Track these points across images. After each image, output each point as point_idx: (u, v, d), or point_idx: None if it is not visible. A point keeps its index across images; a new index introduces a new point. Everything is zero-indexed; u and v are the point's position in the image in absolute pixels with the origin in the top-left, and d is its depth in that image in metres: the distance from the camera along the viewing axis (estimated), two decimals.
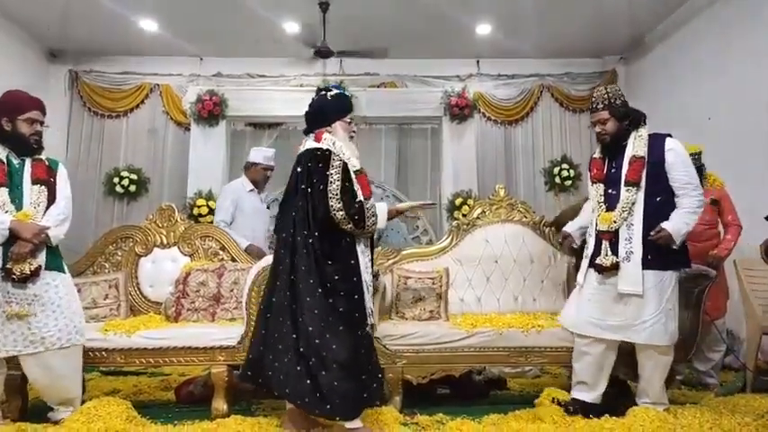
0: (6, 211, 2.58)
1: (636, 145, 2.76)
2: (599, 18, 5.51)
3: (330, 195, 2.48)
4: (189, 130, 6.10)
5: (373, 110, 5.95)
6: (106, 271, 3.55)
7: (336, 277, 2.48)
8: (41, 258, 2.63)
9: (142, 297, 3.56)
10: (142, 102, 6.33)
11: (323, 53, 5.69)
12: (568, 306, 3.00)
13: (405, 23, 5.61)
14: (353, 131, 2.80)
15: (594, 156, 2.94)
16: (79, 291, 3.32)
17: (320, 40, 5.57)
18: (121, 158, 6.21)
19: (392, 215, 2.78)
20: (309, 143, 2.65)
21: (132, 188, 6.07)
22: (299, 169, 2.62)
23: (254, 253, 3.72)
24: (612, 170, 2.83)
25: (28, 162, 2.73)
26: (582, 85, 6.44)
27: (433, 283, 3.35)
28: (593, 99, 2.85)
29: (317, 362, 2.39)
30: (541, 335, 3.01)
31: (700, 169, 3.60)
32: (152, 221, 3.69)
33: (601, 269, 2.74)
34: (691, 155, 3.51)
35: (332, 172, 2.51)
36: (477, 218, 3.65)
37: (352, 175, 2.59)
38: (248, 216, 4.08)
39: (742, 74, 4.55)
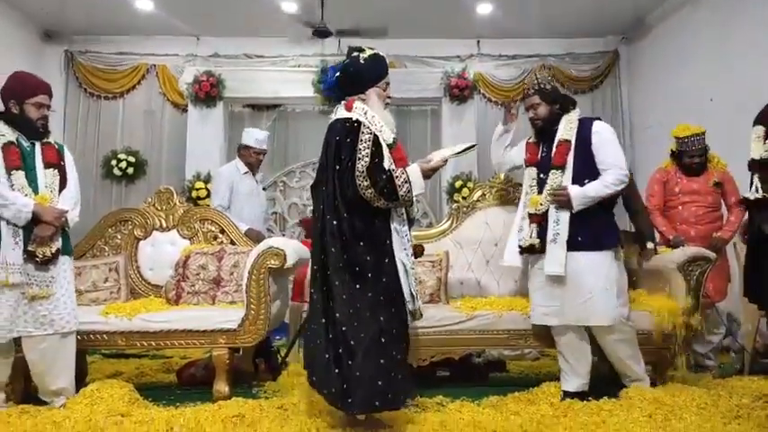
0: (25, 195, 2.61)
1: (564, 129, 2.81)
2: None
3: (357, 173, 2.29)
4: (186, 111, 6.06)
5: None
6: (106, 254, 3.55)
7: (368, 258, 2.30)
8: (59, 241, 2.68)
9: (142, 280, 3.57)
10: (138, 82, 6.25)
11: (321, 33, 5.62)
12: (510, 242, 3.00)
13: (404, 3, 5.52)
14: (389, 98, 2.55)
15: (529, 140, 2.98)
16: (79, 274, 3.34)
17: (318, 19, 5.50)
18: (118, 140, 6.16)
19: (428, 174, 2.45)
20: (340, 112, 2.47)
21: (130, 171, 6.03)
22: (328, 142, 2.43)
23: (253, 236, 3.70)
24: (543, 154, 2.87)
25: (38, 145, 2.74)
26: (584, 66, 6.38)
27: (433, 266, 3.35)
28: (525, 86, 2.91)
29: (344, 350, 2.26)
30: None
31: (704, 150, 3.58)
32: (151, 204, 3.67)
33: (522, 250, 2.80)
34: (694, 135, 3.51)
35: (360, 147, 2.31)
36: (477, 200, 3.64)
37: (384, 150, 2.39)
38: (244, 199, 4.01)
39: (743, 54, 4.50)
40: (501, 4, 5.61)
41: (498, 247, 3.52)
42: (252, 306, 3.00)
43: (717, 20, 4.85)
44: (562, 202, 2.71)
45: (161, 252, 3.57)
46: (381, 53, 2.57)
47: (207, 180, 5.79)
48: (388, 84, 2.55)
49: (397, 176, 2.33)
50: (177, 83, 6.10)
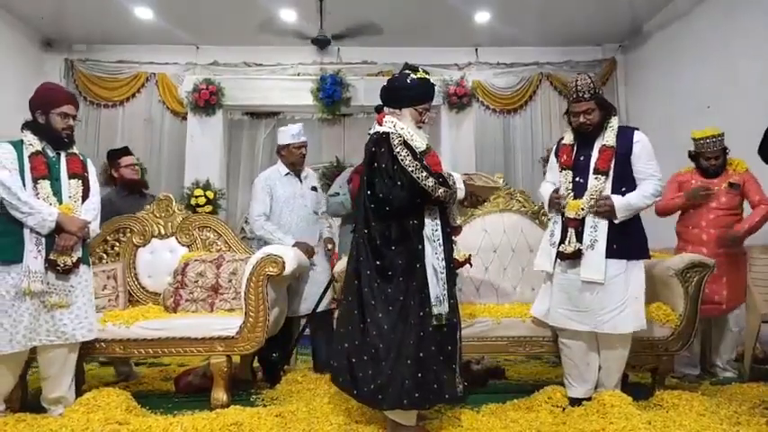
0: (50, 204, 2.64)
1: (607, 135, 2.78)
2: (598, 6, 5.48)
3: (411, 169, 2.33)
4: (186, 119, 6.08)
5: (371, 99, 5.90)
6: (104, 261, 3.54)
7: (399, 262, 2.36)
8: (80, 251, 2.72)
9: (140, 287, 3.56)
10: (138, 91, 6.29)
11: (320, 42, 5.65)
12: (539, 296, 2.98)
13: (403, 11, 5.56)
14: (423, 122, 2.55)
15: (564, 142, 2.92)
16: None
17: (318, 28, 5.53)
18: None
19: (467, 183, 2.51)
20: (374, 127, 2.53)
21: None
22: (364, 155, 2.52)
23: (302, 249, 3.45)
24: (581, 158, 2.83)
25: (63, 155, 2.79)
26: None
27: None
28: (579, 87, 2.77)
29: (377, 352, 2.31)
30: (540, 324, 3.00)
31: (722, 151, 3.57)
32: (150, 212, 3.67)
33: (563, 256, 2.74)
34: (711, 137, 3.53)
35: (398, 151, 2.37)
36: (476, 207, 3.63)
37: (419, 155, 2.44)
38: (282, 203, 3.67)
39: (741, 61, 4.53)
40: (499, 13, 5.65)
41: (497, 254, 3.54)
42: (250, 313, 2.99)
43: (714, 28, 4.89)
44: (606, 212, 2.68)
45: (159, 259, 3.57)
46: (433, 81, 2.62)
47: (206, 188, 5.80)
48: (427, 110, 2.56)
49: (448, 176, 2.44)
50: (177, 91, 6.13)
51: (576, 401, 2.75)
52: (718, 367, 3.57)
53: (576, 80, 2.81)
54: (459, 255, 2.70)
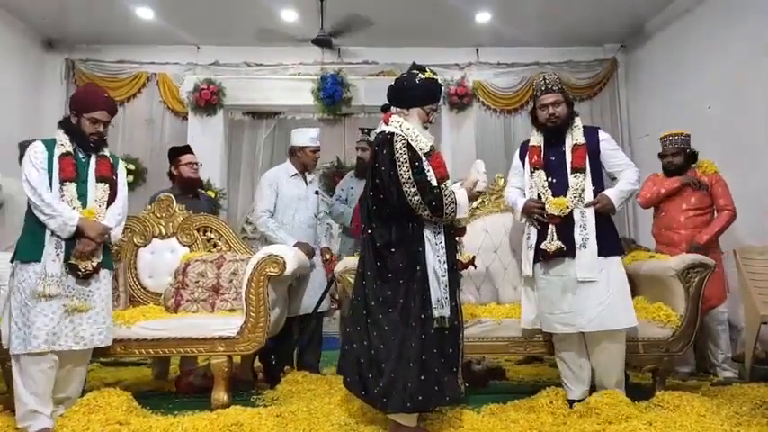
0: (73, 208, 2.63)
1: (575, 135, 2.84)
2: (599, 6, 5.47)
3: (402, 181, 2.33)
4: (186, 119, 6.08)
5: (372, 99, 5.92)
6: None
7: (400, 265, 2.36)
8: (100, 256, 2.70)
9: (141, 288, 3.56)
10: (139, 91, 6.28)
11: (321, 42, 5.65)
12: (523, 305, 2.98)
13: (403, 11, 5.56)
14: (430, 122, 2.58)
15: (532, 144, 2.94)
16: None
17: (318, 28, 5.53)
18: (119, 148, 6.16)
19: (473, 197, 2.52)
20: (380, 126, 2.55)
21: (130, 178, 6.00)
22: (371, 156, 2.54)
23: (302, 250, 3.45)
24: (552, 158, 2.85)
25: (93, 158, 2.77)
26: (582, 74, 6.40)
27: None
28: (546, 81, 2.86)
29: (379, 354, 2.32)
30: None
31: (683, 150, 3.62)
32: (150, 212, 3.68)
33: (545, 255, 2.74)
34: (672, 135, 3.63)
35: (398, 156, 2.36)
36: (477, 207, 3.63)
37: (423, 158, 2.42)
38: (287, 203, 3.68)
39: (742, 62, 4.52)
40: (500, 13, 5.64)
41: (498, 254, 3.53)
42: (251, 314, 2.99)
43: (715, 29, 4.88)
44: (607, 207, 2.74)
45: (160, 259, 3.58)
46: (440, 81, 2.63)
47: (207, 188, 5.79)
48: (434, 110, 2.58)
49: (445, 195, 2.39)
50: (178, 91, 6.13)
51: (575, 403, 2.74)
52: (717, 366, 3.57)
53: (544, 75, 2.90)
54: (462, 256, 2.70)
